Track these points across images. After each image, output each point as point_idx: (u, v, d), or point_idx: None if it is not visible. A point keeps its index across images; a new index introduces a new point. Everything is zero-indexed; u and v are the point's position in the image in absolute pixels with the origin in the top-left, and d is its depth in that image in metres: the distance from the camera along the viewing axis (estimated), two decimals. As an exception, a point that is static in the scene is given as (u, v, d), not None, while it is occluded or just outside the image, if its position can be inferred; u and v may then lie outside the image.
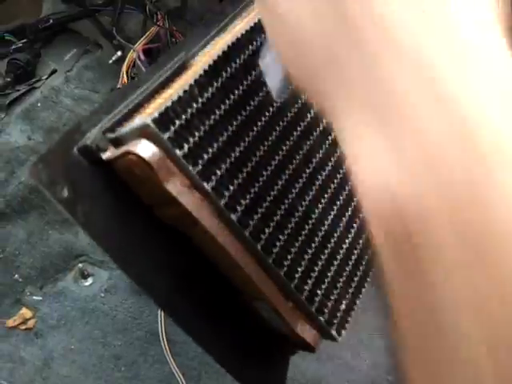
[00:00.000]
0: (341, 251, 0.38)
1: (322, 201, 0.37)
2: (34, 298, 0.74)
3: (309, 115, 0.37)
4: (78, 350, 0.69)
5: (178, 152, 0.28)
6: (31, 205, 0.78)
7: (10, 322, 0.71)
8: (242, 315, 0.36)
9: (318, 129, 0.38)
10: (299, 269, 0.35)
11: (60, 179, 0.28)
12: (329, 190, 0.38)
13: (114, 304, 0.73)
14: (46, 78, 0.89)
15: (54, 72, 0.89)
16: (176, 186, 0.29)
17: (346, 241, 0.39)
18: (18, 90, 0.85)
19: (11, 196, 0.77)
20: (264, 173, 0.33)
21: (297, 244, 0.35)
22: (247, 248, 0.32)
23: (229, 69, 0.32)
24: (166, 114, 0.28)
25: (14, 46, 0.88)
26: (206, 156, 0.29)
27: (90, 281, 0.76)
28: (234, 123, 0.32)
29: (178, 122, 0.28)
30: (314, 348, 0.37)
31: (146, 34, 0.89)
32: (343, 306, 0.38)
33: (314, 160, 0.37)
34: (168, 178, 0.29)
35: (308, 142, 0.37)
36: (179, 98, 0.29)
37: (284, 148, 0.35)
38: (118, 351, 0.68)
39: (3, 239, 0.76)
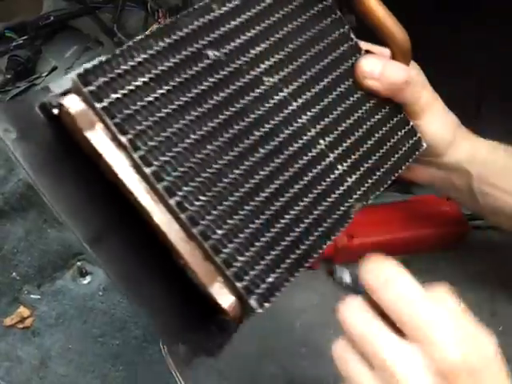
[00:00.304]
0: (277, 225, 0.38)
1: (257, 156, 0.39)
2: (32, 296, 0.73)
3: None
4: (75, 349, 0.68)
5: (97, 104, 0.32)
6: (30, 202, 0.78)
7: (8, 321, 0.70)
8: (175, 274, 0.36)
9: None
10: (219, 231, 0.35)
11: (14, 125, 0.33)
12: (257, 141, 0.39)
13: (112, 302, 0.72)
14: (47, 75, 0.89)
15: (54, 69, 0.89)
16: (96, 136, 0.33)
17: (286, 216, 0.39)
18: (19, 87, 0.85)
19: (10, 193, 0.76)
20: (191, 134, 0.36)
21: (222, 205, 0.36)
22: (162, 201, 0.34)
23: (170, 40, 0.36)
24: (92, 70, 0.33)
25: (14, 43, 0.88)
26: (125, 111, 0.33)
27: (88, 279, 0.75)
28: (161, 89, 0.35)
29: (102, 79, 0.33)
30: (231, 316, 0.36)
31: (147, 31, 0.89)
32: (270, 279, 0.37)
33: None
34: (88, 128, 0.33)
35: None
36: (108, 58, 0.34)
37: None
38: (116, 350, 0.68)
39: (2, 237, 0.75)
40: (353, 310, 0.35)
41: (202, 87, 0.37)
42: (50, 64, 0.91)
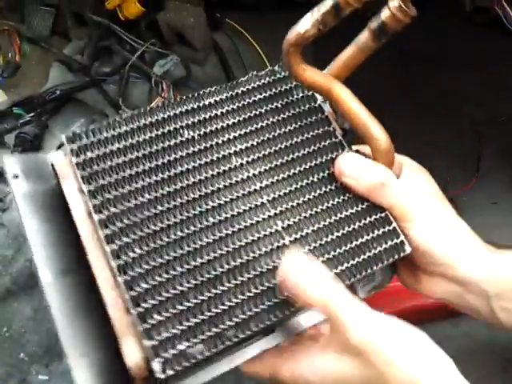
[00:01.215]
0: (205, 293, 0.39)
1: (204, 224, 0.41)
2: (40, 377, 0.72)
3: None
4: (84, 433, 0.67)
5: (73, 159, 0.41)
6: (37, 281, 0.78)
7: (16, 405, 0.69)
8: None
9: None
10: (144, 285, 0.37)
11: (23, 171, 0.41)
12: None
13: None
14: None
15: (61, 146, 0.90)
16: (69, 187, 0.41)
17: (217, 287, 0.39)
18: (26, 164, 0.86)
19: (17, 273, 0.77)
20: (145, 194, 0.41)
21: (155, 261, 0.39)
22: (101, 246, 0.39)
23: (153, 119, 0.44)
24: (79, 134, 0.41)
25: (21, 120, 0.90)
26: (94, 167, 0.40)
27: (96, 357, 0.74)
28: (131, 155, 0.42)
29: (84, 141, 0.41)
30: (135, 375, 0.36)
31: (152, 104, 0.91)
32: (181, 346, 0.36)
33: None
34: (64, 177, 0.41)
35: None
36: (97, 126, 0.42)
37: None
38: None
39: (9, 317, 0.75)
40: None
41: (170, 158, 0.43)
42: (56, 138, 0.93)
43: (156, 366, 0.35)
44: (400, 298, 0.72)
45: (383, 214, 0.46)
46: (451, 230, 0.49)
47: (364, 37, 0.45)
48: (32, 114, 0.91)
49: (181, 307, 0.37)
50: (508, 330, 0.51)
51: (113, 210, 0.39)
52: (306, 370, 0.41)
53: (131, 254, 0.38)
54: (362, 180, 0.46)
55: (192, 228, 0.41)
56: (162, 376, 0.35)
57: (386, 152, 0.46)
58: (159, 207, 0.41)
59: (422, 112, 1.24)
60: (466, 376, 0.66)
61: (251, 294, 0.40)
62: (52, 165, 0.43)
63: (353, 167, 0.46)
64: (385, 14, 0.43)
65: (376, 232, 0.45)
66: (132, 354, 0.36)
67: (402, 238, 0.46)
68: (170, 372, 0.35)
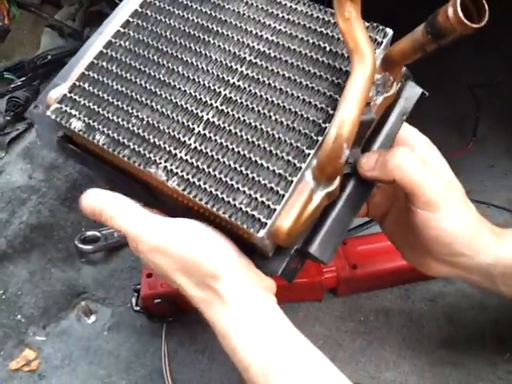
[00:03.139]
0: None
1: None
2: (37, 338, 0.73)
3: None
4: (82, 391, 0.68)
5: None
6: (33, 244, 0.78)
7: (13, 364, 0.70)
8: None
9: None
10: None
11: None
12: None
13: (117, 342, 0.72)
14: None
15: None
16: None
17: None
18: (18, 129, 0.86)
19: (13, 236, 0.77)
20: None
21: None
22: None
23: None
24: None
25: (13, 85, 0.89)
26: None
27: (93, 319, 0.75)
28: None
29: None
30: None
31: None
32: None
33: None
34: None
35: None
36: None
37: None
38: (122, 391, 0.68)
39: (6, 280, 0.76)
40: None
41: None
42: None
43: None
44: (394, 255, 0.72)
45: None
46: (467, 220, 0.47)
47: (418, 34, 0.39)
48: (23, 79, 0.91)
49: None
50: (508, 299, 0.52)
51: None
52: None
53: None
54: (379, 167, 0.45)
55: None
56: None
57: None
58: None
59: (418, 76, 1.23)
60: (458, 332, 0.68)
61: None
62: None
63: (372, 160, 0.45)
64: (440, 16, 0.36)
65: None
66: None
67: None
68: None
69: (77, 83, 0.48)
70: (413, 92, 0.49)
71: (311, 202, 0.41)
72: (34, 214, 0.79)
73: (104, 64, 0.48)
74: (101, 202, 0.46)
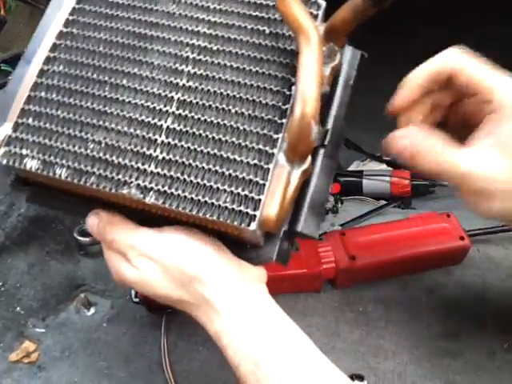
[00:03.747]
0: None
1: None
2: (37, 330, 0.73)
3: None
4: (81, 383, 0.68)
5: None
6: (31, 236, 0.78)
7: (13, 356, 0.70)
8: None
9: None
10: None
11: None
12: None
13: (116, 334, 0.72)
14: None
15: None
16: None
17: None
18: (15, 121, 0.85)
19: (11, 228, 0.77)
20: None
21: None
22: None
23: None
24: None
25: (10, 77, 0.88)
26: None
27: (92, 310, 0.75)
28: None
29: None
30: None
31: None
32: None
33: None
34: None
35: None
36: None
37: None
38: (122, 382, 0.68)
39: (4, 272, 0.76)
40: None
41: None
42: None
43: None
44: (393, 246, 0.72)
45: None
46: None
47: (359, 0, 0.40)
48: (20, 71, 0.90)
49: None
50: None
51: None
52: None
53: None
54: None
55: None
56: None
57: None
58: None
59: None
60: (457, 322, 0.68)
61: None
62: None
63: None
64: None
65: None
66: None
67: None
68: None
69: (19, 121, 0.45)
70: (352, 56, 0.49)
71: (290, 183, 0.42)
72: (32, 207, 0.79)
73: (42, 94, 0.45)
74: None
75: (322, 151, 0.45)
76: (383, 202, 0.94)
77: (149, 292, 0.46)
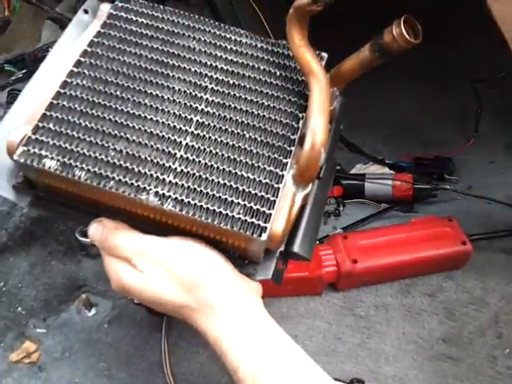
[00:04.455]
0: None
1: None
2: (38, 330, 0.73)
3: None
4: (82, 383, 0.68)
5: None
6: (33, 236, 0.78)
7: (14, 357, 0.70)
8: None
9: None
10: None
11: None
12: None
13: (117, 335, 0.72)
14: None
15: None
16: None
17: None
18: (19, 121, 0.85)
19: (13, 228, 0.77)
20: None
21: None
22: None
23: None
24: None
25: (13, 77, 0.89)
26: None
27: (93, 311, 0.75)
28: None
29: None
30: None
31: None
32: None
33: None
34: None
35: None
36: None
37: None
38: (122, 383, 0.68)
39: (6, 272, 0.76)
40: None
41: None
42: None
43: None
44: (395, 250, 0.72)
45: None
46: None
47: (365, 53, 0.47)
48: (24, 71, 0.90)
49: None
50: None
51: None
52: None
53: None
54: None
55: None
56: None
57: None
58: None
59: (420, 72, 1.23)
60: (458, 327, 0.68)
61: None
62: None
63: None
64: (387, 36, 0.45)
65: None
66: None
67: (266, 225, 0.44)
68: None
69: (40, 124, 0.46)
70: (342, 103, 0.55)
71: (294, 204, 0.46)
72: (34, 207, 0.79)
73: (65, 103, 0.47)
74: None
75: (316, 182, 0.49)
76: (385, 206, 0.94)
77: (150, 297, 0.46)
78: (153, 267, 0.45)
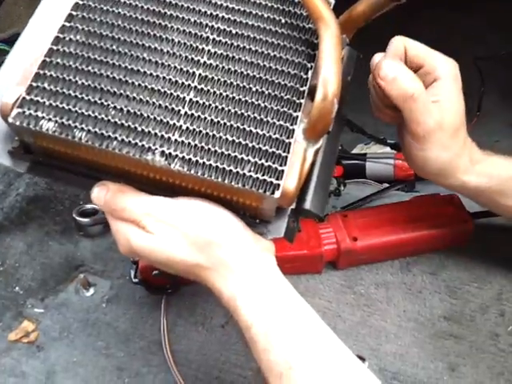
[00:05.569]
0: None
1: None
2: (36, 310, 0.73)
3: None
4: (80, 363, 0.68)
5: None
6: (30, 216, 0.77)
7: (12, 336, 0.70)
8: None
9: None
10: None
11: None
12: None
13: (115, 314, 0.72)
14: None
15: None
16: None
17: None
18: (14, 100, 0.84)
19: (9, 208, 0.76)
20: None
21: None
22: None
23: None
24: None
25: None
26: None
27: (91, 291, 0.75)
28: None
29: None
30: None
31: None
32: None
33: None
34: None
35: None
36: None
37: None
38: (121, 362, 0.67)
39: (3, 252, 0.75)
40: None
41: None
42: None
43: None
44: (396, 228, 0.71)
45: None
46: (445, 155, 0.55)
47: None
48: (19, 50, 0.89)
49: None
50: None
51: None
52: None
53: None
54: (394, 85, 0.50)
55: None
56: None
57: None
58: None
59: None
60: (460, 305, 0.67)
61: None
62: None
63: (391, 70, 0.51)
64: None
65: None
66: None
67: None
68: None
69: (34, 84, 0.43)
70: (350, 54, 0.53)
71: (306, 160, 0.44)
72: (30, 186, 0.78)
73: (59, 61, 0.45)
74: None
75: (326, 136, 0.47)
76: (386, 185, 0.93)
77: (162, 258, 0.45)
78: (163, 228, 0.44)
